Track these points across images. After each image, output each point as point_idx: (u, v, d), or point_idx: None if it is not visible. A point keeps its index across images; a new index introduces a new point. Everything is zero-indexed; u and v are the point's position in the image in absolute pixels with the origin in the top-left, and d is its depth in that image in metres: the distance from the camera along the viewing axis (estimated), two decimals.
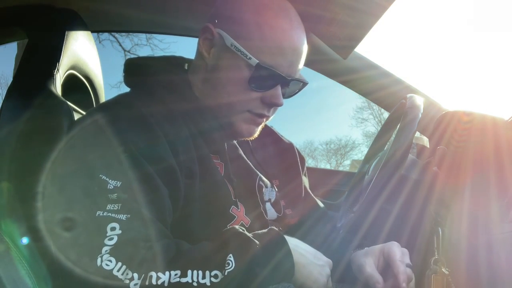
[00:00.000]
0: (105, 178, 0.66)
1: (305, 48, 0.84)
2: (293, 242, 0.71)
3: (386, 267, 0.79)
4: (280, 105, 0.83)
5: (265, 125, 1.02)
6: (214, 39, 0.83)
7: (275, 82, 0.81)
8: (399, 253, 0.77)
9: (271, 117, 0.88)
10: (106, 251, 0.61)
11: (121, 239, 0.62)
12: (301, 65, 0.84)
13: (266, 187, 0.91)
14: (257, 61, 0.78)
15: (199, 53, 0.86)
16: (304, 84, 0.86)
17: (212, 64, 0.84)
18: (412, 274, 0.76)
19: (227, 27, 0.81)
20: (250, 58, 0.78)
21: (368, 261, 0.79)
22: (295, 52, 0.81)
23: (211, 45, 0.84)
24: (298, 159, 1.03)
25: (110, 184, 0.66)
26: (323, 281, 0.72)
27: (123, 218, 0.64)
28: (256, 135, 0.88)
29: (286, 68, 0.81)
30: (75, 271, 0.60)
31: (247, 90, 0.81)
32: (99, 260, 0.60)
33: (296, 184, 1.01)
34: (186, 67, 0.92)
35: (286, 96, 0.86)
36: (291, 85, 0.84)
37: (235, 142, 0.90)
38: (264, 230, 0.72)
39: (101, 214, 0.63)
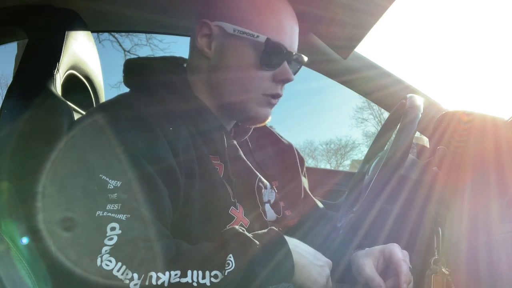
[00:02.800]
0: (105, 178, 0.66)
1: (297, 26, 0.87)
2: (293, 243, 0.71)
3: (386, 269, 0.79)
4: (292, 79, 0.85)
5: (265, 126, 1.02)
6: (213, 34, 0.83)
7: (282, 58, 0.83)
8: (401, 254, 0.78)
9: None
10: (106, 251, 0.61)
11: (121, 239, 0.62)
12: (297, 42, 0.87)
13: (266, 188, 0.91)
14: (266, 37, 0.80)
15: (197, 52, 0.86)
16: (304, 60, 0.88)
17: (216, 58, 0.84)
18: (411, 276, 0.77)
19: (224, 17, 0.83)
20: (258, 37, 0.80)
21: (367, 262, 0.79)
22: (293, 29, 0.85)
23: (210, 40, 0.84)
24: (298, 160, 1.03)
25: (110, 184, 0.66)
26: (323, 282, 0.72)
27: (123, 218, 0.63)
28: (270, 118, 0.89)
29: (288, 44, 0.83)
30: (75, 271, 0.60)
31: (259, 71, 0.82)
32: (99, 260, 0.60)
33: (295, 185, 1.00)
34: (185, 66, 0.92)
35: None
36: (293, 62, 0.86)
37: (235, 143, 0.90)
38: (264, 230, 0.72)
39: (101, 214, 0.63)
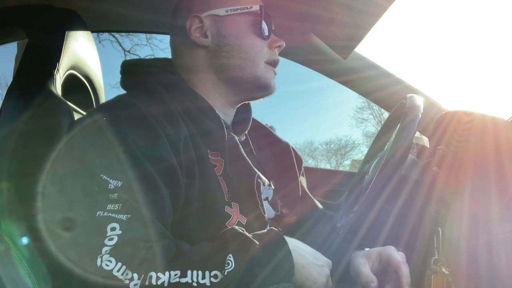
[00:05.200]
0: (105, 178, 0.66)
1: None
2: (292, 243, 0.71)
3: (382, 271, 0.79)
4: (284, 45, 0.92)
5: (264, 126, 1.03)
6: (205, 25, 0.88)
7: (271, 25, 0.91)
8: (399, 256, 0.78)
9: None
10: (106, 251, 0.61)
11: (121, 240, 0.62)
12: None
13: (264, 184, 0.91)
14: (259, 4, 0.88)
15: (191, 47, 0.89)
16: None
17: (216, 41, 0.87)
18: (410, 278, 0.77)
19: (212, 5, 0.88)
20: (251, 7, 0.87)
21: (363, 262, 0.80)
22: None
23: (203, 31, 0.88)
24: (295, 160, 1.03)
25: (111, 184, 0.66)
26: (323, 282, 0.72)
27: (124, 218, 0.63)
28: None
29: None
30: (75, 271, 0.60)
31: (258, 39, 0.88)
32: (99, 260, 0.60)
33: (293, 185, 1.01)
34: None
35: None
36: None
37: (236, 139, 0.90)
38: (263, 231, 0.72)
39: (101, 214, 0.63)
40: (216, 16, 0.87)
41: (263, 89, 0.91)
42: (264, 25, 0.88)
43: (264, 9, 0.88)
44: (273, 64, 0.91)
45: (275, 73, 0.91)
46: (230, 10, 0.87)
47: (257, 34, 0.88)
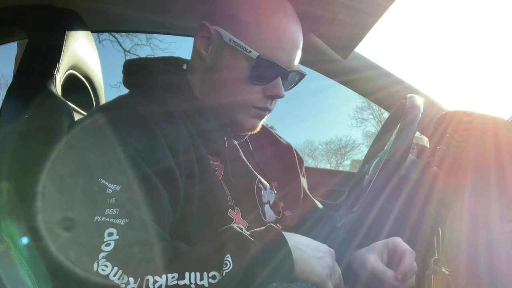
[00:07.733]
0: (104, 182, 0.66)
1: (301, 41, 0.85)
2: (292, 239, 0.70)
3: (390, 261, 0.79)
4: (282, 96, 0.84)
5: (264, 127, 1.02)
6: (211, 37, 0.84)
7: (275, 74, 0.82)
8: (405, 245, 0.77)
9: (272, 110, 0.88)
10: (102, 256, 0.60)
11: (118, 244, 0.62)
12: (298, 57, 0.85)
13: (265, 189, 0.91)
14: (258, 54, 0.79)
15: (196, 52, 0.87)
16: (302, 76, 0.87)
17: (211, 62, 0.84)
18: (416, 267, 0.77)
19: (224, 24, 0.82)
20: (250, 52, 0.79)
21: (372, 256, 0.79)
22: (293, 45, 0.83)
23: (208, 43, 0.84)
24: (297, 161, 1.03)
25: (109, 188, 0.65)
26: (326, 274, 0.70)
27: (121, 223, 0.63)
28: (259, 128, 0.89)
29: (285, 60, 0.82)
30: (73, 272, 0.60)
31: (249, 84, 0.82)
32: (95, 265, 0.60)
33: (294, 185, 1.00)
34: (184, 67, 0.92)
35: (285, 88, 0.86)
36: (289, 77, 0.85)
37: (235, 143, 0.89)
38: (262, 228, 0.71)
39: (99, 219, 0.63)
40: (221, 36, 0.82)
41: (237, 127, 0.87)
42: (258, 74, 0.81)
43: (265, 59, 0.79)
44: (261, 109, 0.85)
45: (260, 116, 0.86)
46: (233, 41, 0.80)
47: (248, 78, 0.81)
